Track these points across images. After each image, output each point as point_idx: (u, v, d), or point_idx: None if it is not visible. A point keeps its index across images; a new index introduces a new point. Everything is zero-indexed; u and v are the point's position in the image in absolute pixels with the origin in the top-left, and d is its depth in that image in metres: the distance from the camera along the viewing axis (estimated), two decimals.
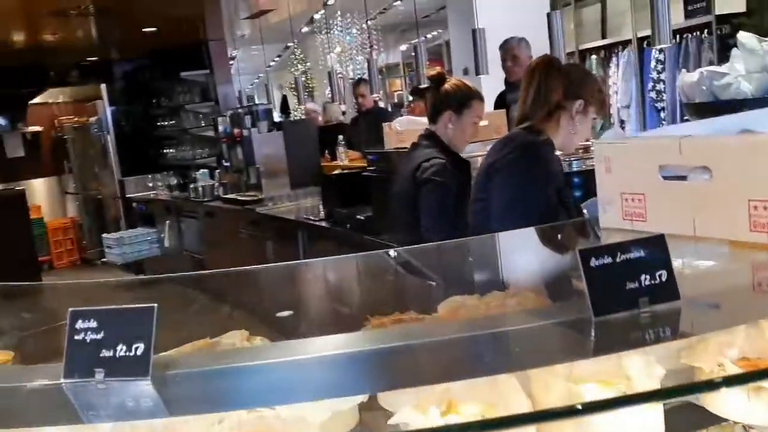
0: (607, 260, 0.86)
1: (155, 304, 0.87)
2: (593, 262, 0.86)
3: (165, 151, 9.64)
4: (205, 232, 7.56)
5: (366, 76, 7.25)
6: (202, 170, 8.01)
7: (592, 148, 2.27)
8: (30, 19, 7.17)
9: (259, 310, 1.78)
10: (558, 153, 2.54)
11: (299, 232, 5.60)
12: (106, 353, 0.86)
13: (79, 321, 0.88)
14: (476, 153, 4.02)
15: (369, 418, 1.27)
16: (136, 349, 0.86)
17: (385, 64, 13.62)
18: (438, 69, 3.42)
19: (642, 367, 1.09)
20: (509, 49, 4.93)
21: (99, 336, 0.87)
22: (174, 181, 8.58)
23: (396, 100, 11.83)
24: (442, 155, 3.08)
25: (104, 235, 8.88)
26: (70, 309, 0.89)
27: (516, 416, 0.82)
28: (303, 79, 10.87)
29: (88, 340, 0.87)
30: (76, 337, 0.88)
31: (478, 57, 4.51)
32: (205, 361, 0.96)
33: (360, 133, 7.04)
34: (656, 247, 0.86)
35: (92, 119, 9.54)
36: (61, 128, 10.64)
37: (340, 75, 10.52)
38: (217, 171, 7.71)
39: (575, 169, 3.36)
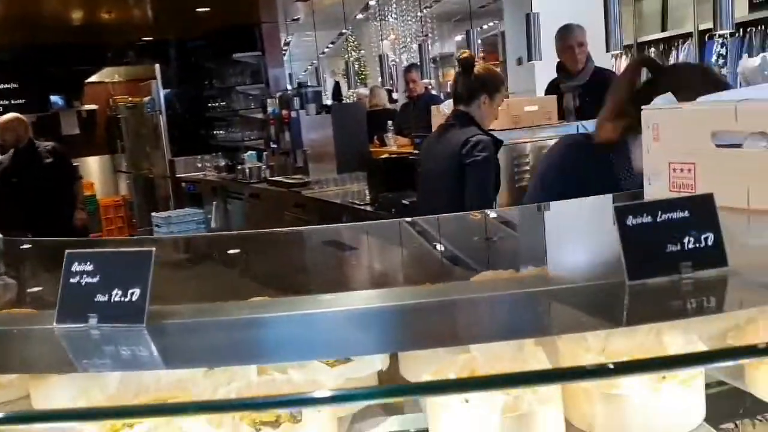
0: (647, 219, 0.77)
1: (153, 248, 0.82)
2: (630, 221, 0.77)
3: (215, 132, 9.74)
4: (250, 214, 7.61)
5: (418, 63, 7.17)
6: (250, 152, 8.05)
7: None
8: None
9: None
10: None
11: (344, 216, 5.56)
12: (101, 298, 0.81)
13: (75, 263, 0.84)
14: (523, 139, 3.93)
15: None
16: (132, 294, 0.81)
17: (439, 54, 13.46)
18: (467, 52, 3.49)
19: (683, 346, 1.00)
20: (576, 36, 4.68)
21: (95, 280, 0.82)
22: (222, 162, 8.67)
23: (449, 90, 11.68)
24: (482, 133, 3.09)
25: (153, 213, 9.02)
26: (67, 251, 0.84)
27: (535, 372, 0.74)
28: (356, 66, 10.83)
29: (83, 284, 0.83)
30: (71, 280, 0.83)
31: (532, 42, 4.38)
32: (203, 313, 0.90)
33: (410, 119, 6.96)
34: (703, 207, 0.77)
35: (146, 99, 9.69)
36: (116, 107, 10.83)
37: (393, 62, 10.44)
38: (265, 153, 7.73)
39: None
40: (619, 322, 0.79)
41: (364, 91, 9.67)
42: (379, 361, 1.18)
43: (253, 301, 1.00)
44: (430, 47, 7.62)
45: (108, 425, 1.03)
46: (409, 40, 12.31)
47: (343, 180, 6.46)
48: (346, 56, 13.59)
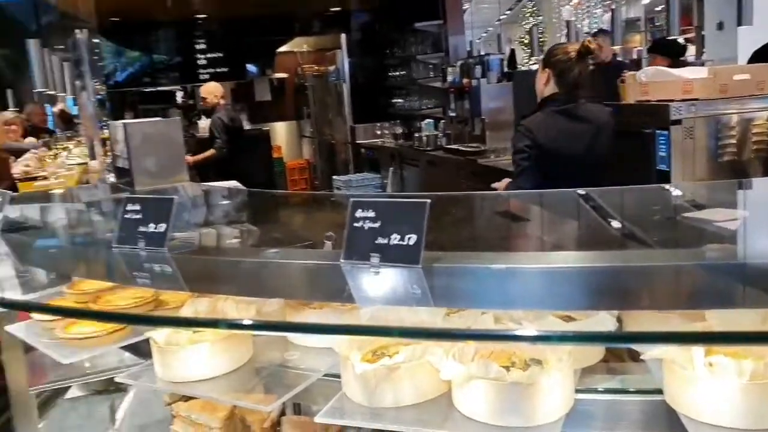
0: None
1: (428, 200, 0.92)
2: None
3: (394, 100, 9.99)
4: (425, 180, 7.78)
5: (605, 28, 6.89)
6: (427, 120, 8.20)
7: None
8: None
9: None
10: None
11: None
12: (381, 240, 0.93)
13: (359, 210, 0.96)
14: (729, 110, 3.70)
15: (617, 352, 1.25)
16: (409, 239, 0.92)
17: (624, 19, 12.83)
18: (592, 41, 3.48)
19: None
20: None
21: (376, 225, 0.94)
22: (400, 130, 8.91)
23: (635, 57, 11.10)
24: None
25: (334, 177, 9.50)
26: (352, 199, 0.97)
27: None
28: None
29: (366, 228, 0.95)
30: (355, 225, 0.96)
31: (743, 4, 4.08)
32: (467, 259, 1.00)
33: (594, 86, 6.72)
34: None
35: (331, 68, 10.13)
36: (303, 76, 11.43)
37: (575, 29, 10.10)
38: (442, 121, 7.84)
39: None
40: None
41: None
42: (611, 322, 1.22)
43: (513, 253, 1.09)
44: (623, 12, 7.28)
45: (368, 351, 1.17)
46: (592, 4, 11.84)
47: None
48: (525, 23, 13.33)
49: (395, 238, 0.93)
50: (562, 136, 3.20)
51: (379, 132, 9.48)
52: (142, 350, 1.56)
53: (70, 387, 2.42)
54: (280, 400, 1.17)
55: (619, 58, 7.77)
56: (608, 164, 3.24)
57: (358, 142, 9.68)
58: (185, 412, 1.71)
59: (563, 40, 8.81)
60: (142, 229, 1.19)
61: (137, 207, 1.21)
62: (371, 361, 1.17)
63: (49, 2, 8.80)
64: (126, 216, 1.22)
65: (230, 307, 1.37)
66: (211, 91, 7.29)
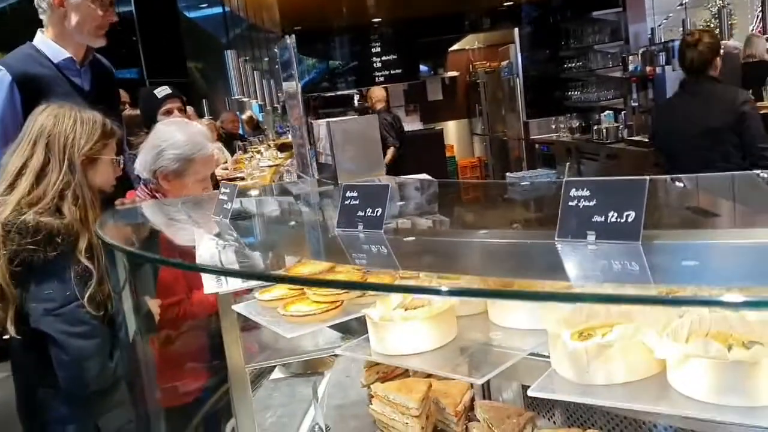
0: None
1: (647, 177, 0.93)
2: None
3: (569, 93, 9.73)
4: (606, 175, 7.48)
5: None
6: (606, 112, 7.92)
7: None
8: None
9: None
10: None
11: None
12: (597, 218, 0.95)
13: (573, 190, 0.99)
14: None
15: None
16: (627, 216, 0.93)
17: None
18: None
19: None
20: None
21: (591, 203, 0.97)
22: (576, 123, 8.67)
23: None
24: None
25: (507, 173, 9.43)
26: (565, 179, 1.00)
27: None
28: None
29: (581, 207, 0.97)
30: (570, 204, 0.99)
31: None
32: (694, 236, 0.99)
33: None
34: None
35: (504, 63, 10.07)
36: (475, 73, 11.45)
37: None
38: (623, 112, 7.54)
39: None
40: None
41: (733, 43, 8.74)
42: None
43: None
44: None
45: (575, 332, 1.19)
46: None
47: None
48: (711, 5, 12.39)
49: (612, 216, 0.95)
50: (674, 112, 3.85)
51: (553, 126, 9.30)
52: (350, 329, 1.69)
53: (273, 369, 2.65)
54: (489, 374, 1.22)
55: None
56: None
57: (531, 137, 9.55)
58: (383, 393, 1.81)
59: (757, 23, 8.10)
60: (360, 213, 1.30)
61: (355, 194, 1.32)
62: (580, 341, 1.19)
63: (240, 16, 9.55)
64: (345, 202, 1.33)
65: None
66: (371, 95, 7.84)
